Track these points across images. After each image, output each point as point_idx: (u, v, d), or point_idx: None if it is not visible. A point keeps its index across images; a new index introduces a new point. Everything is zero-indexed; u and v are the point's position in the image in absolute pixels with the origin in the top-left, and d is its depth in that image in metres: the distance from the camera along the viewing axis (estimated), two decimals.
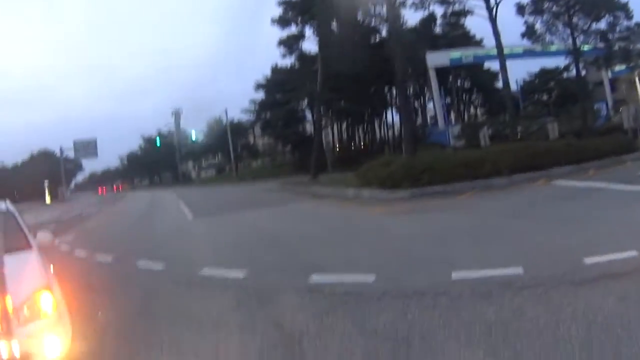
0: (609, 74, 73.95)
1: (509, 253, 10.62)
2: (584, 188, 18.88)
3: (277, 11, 65.99)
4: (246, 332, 8.06)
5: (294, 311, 8.81)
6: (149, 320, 9.44)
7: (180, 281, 12.34)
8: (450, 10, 61.14)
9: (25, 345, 6.38)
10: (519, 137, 41.82)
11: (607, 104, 74.69)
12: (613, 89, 79.18)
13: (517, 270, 9.21)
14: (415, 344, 6.67)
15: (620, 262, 8.82)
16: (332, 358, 6.70)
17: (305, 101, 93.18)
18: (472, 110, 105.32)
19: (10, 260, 7.72)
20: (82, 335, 7.91)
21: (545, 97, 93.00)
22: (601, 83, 76.70)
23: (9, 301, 6.29)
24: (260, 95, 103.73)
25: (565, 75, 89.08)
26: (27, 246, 8.43)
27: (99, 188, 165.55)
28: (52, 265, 8.35)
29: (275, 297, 9.88)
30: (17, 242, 8.43)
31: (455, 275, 9.53)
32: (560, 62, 79.84)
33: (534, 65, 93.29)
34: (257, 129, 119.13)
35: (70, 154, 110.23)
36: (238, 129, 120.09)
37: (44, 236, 9.25)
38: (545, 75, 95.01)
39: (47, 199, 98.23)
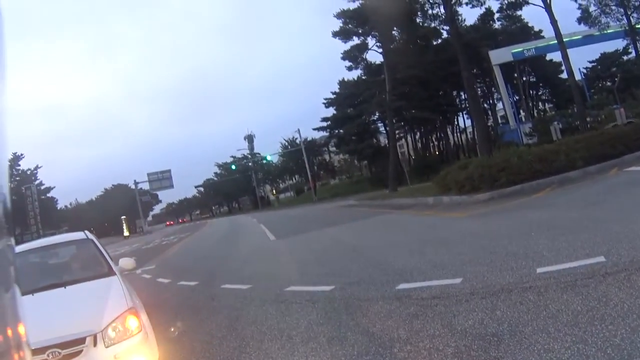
0: None
1: (590, 244, 10.50)
2: None
3: (337, 24, 65.95)
4: (336, 342, 8.19)
5: (383, 318, 8.92)
6: (237, 338, 9.71)
7: (266, 299, 12.57)
8: (505, 1, 60.78)
9: None
10: (588, 127, 41.30)
11: None
12: None
13: (599, 259, 9.19)
14: (505, 339, 6.73)
15: None
16: None
17: (377, 114, 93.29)
18: (540, 105, 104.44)
19: (94, 285, 8.18)
20: (169, 356, 8.24)
21: (609, 84, 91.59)
22: None
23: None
24: (330, 111, 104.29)
25: (625, 58, 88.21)
26: (110, 272, 8.93)
27: (167, 222, 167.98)
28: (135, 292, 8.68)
29: (363, 307, 9.99)
30: (100, 269, 9.06)
31: (540, 269, 9.55)
32: (620, 45, 79.33)
33: (595, 50, 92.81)
34: (332, 147, 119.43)
35: (145, 186, 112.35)
36: (312, 147, 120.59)
37: (126, 262, 9.71)
38: (606, 59, 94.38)
39: (126, 232, 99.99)
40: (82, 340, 6.80)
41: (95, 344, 6.85)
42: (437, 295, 9.66)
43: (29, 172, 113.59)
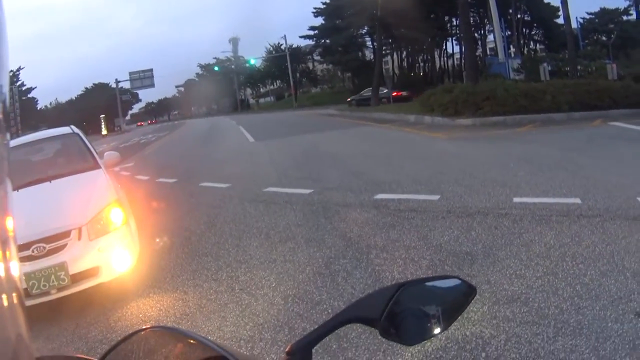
0: None
1: (568, 184, 10.75)
2: None
3: None
4: (314, 244, 8.44)
5: (361, 225, 9.20)
6: (216, 235, 9.93)
7: (245, 198, 12.78)
8: None
9: (96, 259, 6.99)
10: (578, 75, 41.21)
11: None
12: None
13: (576, 200, 9.44)
14: (479, 259, 6.99)
15: None
16: (398, 269, 6.99)
17: (366, 28, 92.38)
18: (531, 45, 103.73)
19: (80, 178, 8.23)
20: (148, 251, 8.48)
21: (604, 38, 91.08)
22: None
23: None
24: (319, 21, 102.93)
25: (625, 18, 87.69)
26: (96, 166, 8.90)
27: (138, 123, 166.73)
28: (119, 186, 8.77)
29: (341, 212, 10.27)
30: (85, 162, 9.02)
31: (517, 199, 9.82)
32: (621, 3, 78.68)
33: (595, 3, 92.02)
34: (317, 56, 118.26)
35: (126, 85, 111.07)
36: (297, 55, 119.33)
37: (111, 155, 9.65)
38: (605, 15, 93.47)
39: (104, 131, 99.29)
40: (67, 234, 6.92)
41: (80, 238, 6.97)
42: (414, 208, 9.94)
43: (11, 74, 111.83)
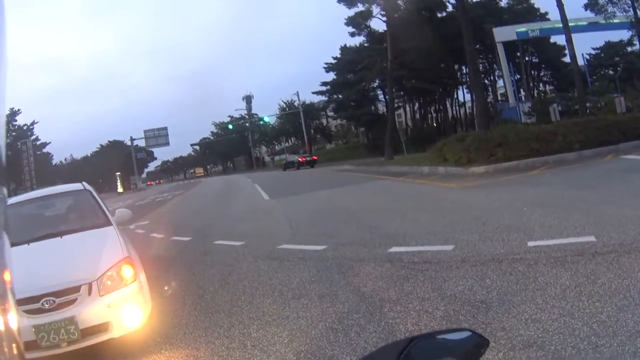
0: None
1: (582, 223, 10.68)
2: None
3: None
4: (327, 299, 8.35)
5: (374, 279, 9.09)
6: (229, 292, 9.87)
7: (259, 256, 12.73)
8: None
9: (106, 314, 6.98)
10: (588, 112, 41.39)
11: None
12: None
13: (590, 238, 9.36)
14: (494, 307, 6.87)
15: None
16: (412, 321, 6.88)
17: (377, 81, 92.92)
18: (540, 86, 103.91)
19: (91, 234, 8.32)
20: (161, 308, 8.41)
21: (611, 72, 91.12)
22: None
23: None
24: (330, 76, 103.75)
25: (629, 49, 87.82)
26: (107, 222, 9.01)
27: (148, 182, 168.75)
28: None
29: (355, 267, 10.16)
30: (97, 219, 9.14)
31: (531, 243, 9.72)
32: (625, 35, 78.78)
33: (599, 38, 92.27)
34: (330, 111, 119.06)
35: (141, 143, 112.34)
36: (310, 111, 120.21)
37: (122, 213, 9.83)
38: (610, 49, 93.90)
39: (120, 188, 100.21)
40: (77, 289, 6.93)
41: (90, 293, 6.98)
42: (429, 260, 9.83)
43: (25, 128, 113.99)
